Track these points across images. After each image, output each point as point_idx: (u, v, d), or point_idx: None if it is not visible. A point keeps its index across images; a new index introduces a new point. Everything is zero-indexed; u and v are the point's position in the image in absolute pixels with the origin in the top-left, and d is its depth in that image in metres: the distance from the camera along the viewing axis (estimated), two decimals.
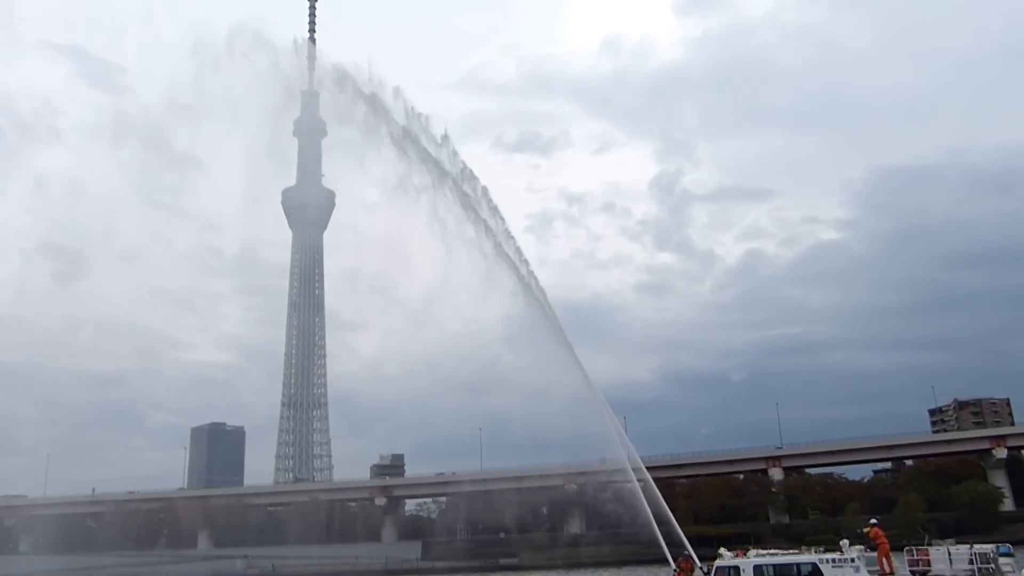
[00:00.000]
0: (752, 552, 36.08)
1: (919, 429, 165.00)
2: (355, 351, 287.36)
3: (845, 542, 33.43)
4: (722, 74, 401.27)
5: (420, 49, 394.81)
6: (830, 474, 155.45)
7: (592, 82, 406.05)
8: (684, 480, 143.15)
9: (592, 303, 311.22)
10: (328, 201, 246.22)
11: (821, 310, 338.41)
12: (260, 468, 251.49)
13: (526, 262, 42.83)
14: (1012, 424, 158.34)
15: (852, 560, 31.80)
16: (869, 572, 32.05)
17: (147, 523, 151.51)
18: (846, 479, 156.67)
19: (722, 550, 35.21)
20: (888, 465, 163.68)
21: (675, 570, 35.00)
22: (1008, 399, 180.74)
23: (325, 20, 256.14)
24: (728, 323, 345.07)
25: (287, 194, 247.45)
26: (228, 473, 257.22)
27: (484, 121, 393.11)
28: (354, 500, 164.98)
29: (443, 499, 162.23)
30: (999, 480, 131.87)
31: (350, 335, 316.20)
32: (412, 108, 50.62)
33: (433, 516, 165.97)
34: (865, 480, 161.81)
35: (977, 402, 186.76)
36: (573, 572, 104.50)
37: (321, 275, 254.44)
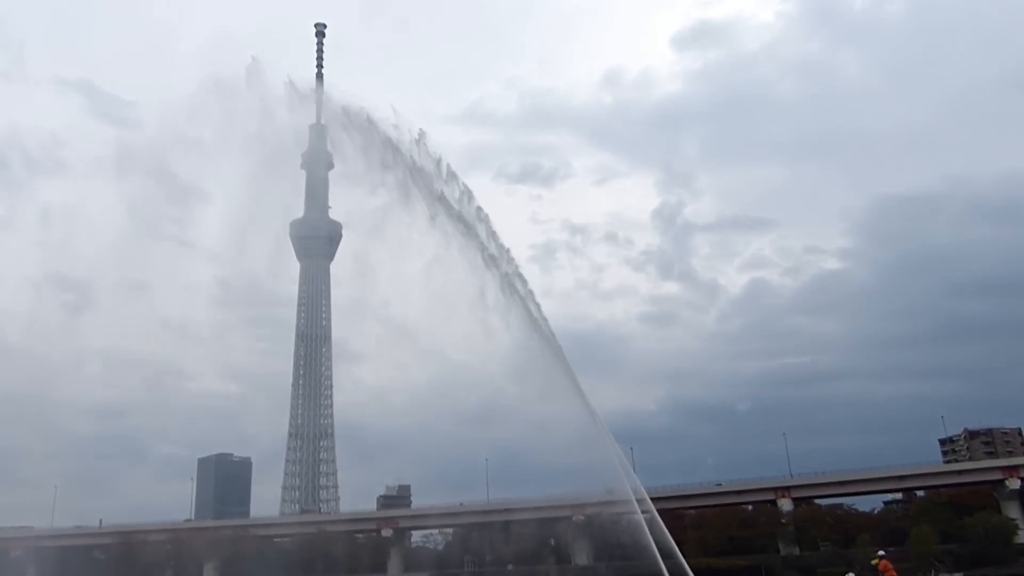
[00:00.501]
0: None
1: (930, 459, 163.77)
2: (361, 381, 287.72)
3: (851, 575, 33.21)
4: (722, 106, 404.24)
5: (423, 82, 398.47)
6: (840, 505, 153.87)
7: (593, 114, 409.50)
8: (692, 511, 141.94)
9: (597, 333, 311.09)
10: (335, 232, 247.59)
11: (827, 339, 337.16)
12: (267, 499, 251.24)
13: (531, 292, 43.07)
14: None
15: None
16: None
17: (154, 554, 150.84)
18: (856, 510, 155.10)
19: None
20: (899, 496, 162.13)
21: None
22: (1020, 428, 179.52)
23: (331, 53, 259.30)
24: (734, 353, 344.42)
25: (295, 226, 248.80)
26: (235, 504, 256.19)
27: (486, 153, 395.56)
28: (360, 531, 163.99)
29: (450, 530, 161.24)
30: (1013, 511, 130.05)
31: (355, 365, 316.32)
32: (428, 148, 51.18)
33: (440, 548, 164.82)
34: (876, 511, 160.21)
35: (988, 432, 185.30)
36: None
37: (328, 306, 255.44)
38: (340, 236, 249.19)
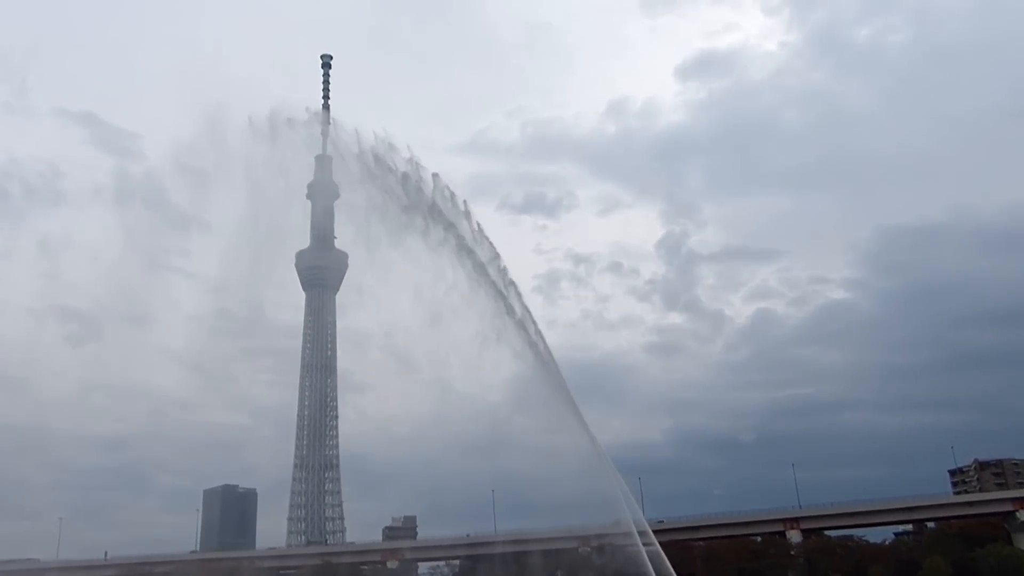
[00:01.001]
0: None
1: (939, 490, 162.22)
2: (365, 412, 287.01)
3: None
4: (726, 136, 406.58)
5: (428, 113, 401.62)
6: (851, 536, 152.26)
7: (597, 144, 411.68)
8: (701, 543, 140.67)
9: (602, 364, 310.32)
10: (341, 263, 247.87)
11: (833, 370, 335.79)
12: (272, 530, 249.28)
13: (538, 330, 43.06)
14: None
15: None
16: None
17: None
18: (867, 541, 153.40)
19: None
20: (909, 527, 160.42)
21: None
22: None
23: (337, 83, 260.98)
24: (740, 383, 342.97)
25: (300, 256, 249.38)
26: (241, 535, 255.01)
27: (490, 183, 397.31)
28: (366, 563, 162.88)
29: (456, 562, 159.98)
30: None
31: (359, 396, 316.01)
32: (441, 183, 51.44)
33: None
34: (887, 542, 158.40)
35: (998, 462, 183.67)
36: None
37: (334, 336, 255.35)
38: (346, 267, 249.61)
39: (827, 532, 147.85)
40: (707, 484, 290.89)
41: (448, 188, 52.48)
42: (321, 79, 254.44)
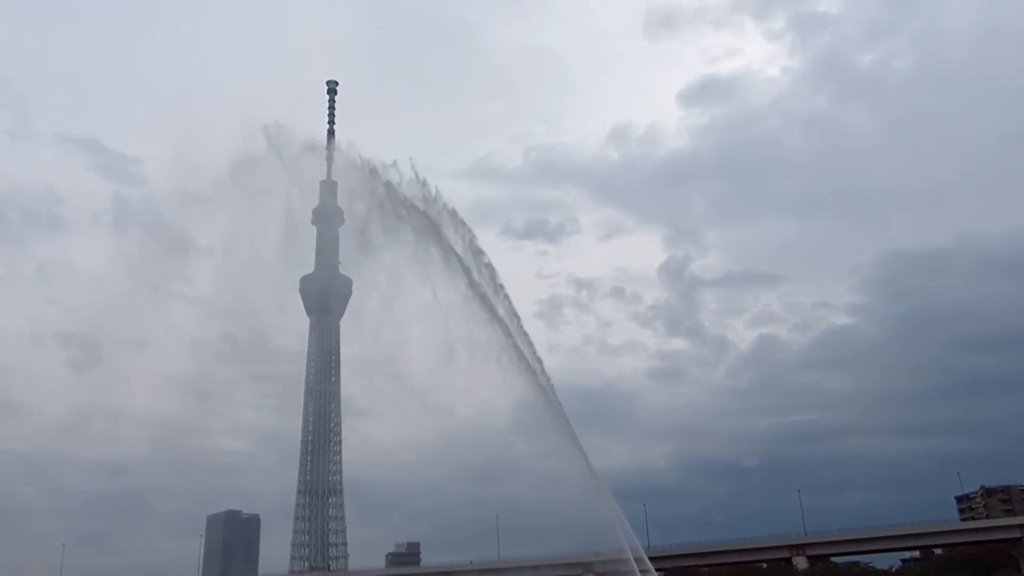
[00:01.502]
0: None
1: (946, 516, 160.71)
2: (367, 437, 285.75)
3: None
4: (729, 161, 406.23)
5: (431, 139, 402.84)
6: (857, 563, 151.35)
7: (600, 170, 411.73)
8: (707, 569, 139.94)
9: (605, 389, 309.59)
10: (345, 288, 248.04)
11: (838, 395, 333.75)
12: (276, 556, 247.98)
13: (532, 347, 43.17)
14: None
15: None
16: None
17: None
18: (874, 568, 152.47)
19: None
20: (916, 554, 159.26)
21: None
22: None
23: (341, 109, 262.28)
24: (744, 409, 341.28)
25: (305, 281, 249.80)
26: (243, 561, 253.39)
27: (493, 208, 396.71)
28: None
29: None
30: None
31: (361, 421, 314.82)
32: (446, 205, 51.76)
33: None
34: (893, 569, 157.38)
35: (1006, 489, 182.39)
36: None
37: (338, 362, 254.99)
38: (350, 292, 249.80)
39: (833, 558, 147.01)
40: (711, 510, 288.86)
41: (452, 209, 52.74)
42: (327, 105, 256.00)
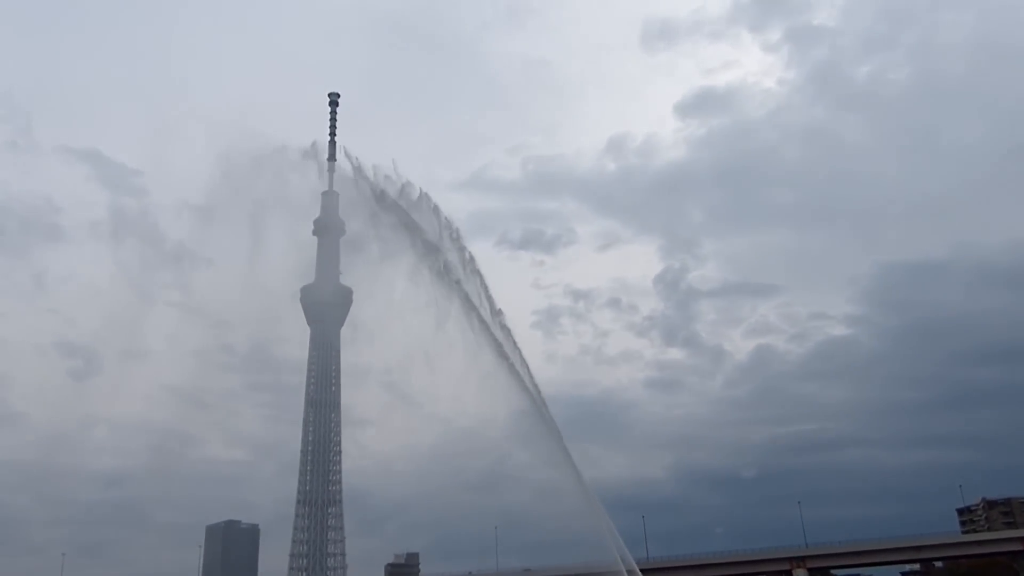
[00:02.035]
0: None
1: (947, 528, 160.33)
2: (366, 447, 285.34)
3: None
4: (726, 172, 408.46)
5: (429, 150, 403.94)
6: (857, 575, 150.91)
7: (597, 181, 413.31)
8: None
9: (602, 399, 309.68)
10: (346, 299, 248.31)
11: (836, 406, 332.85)
12: (275, 567, 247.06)
13: (527, 366, 43.25)
14: None
15: None
16: None
17: None
18: None
19: None
20: (917, 566, 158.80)
21: None
22: None
23: (341, 121, 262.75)
24: (741, 420, 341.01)
25: (306, 291, 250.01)
26: (243, 572, 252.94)
27: (489, 219, 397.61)
28: None
29: None
30: None
31: (360, 431, 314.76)
32: (444, 219, 51.91)
33: None
34: None
35: (1007, 501, 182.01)
36: None
37: (338, 372, 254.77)
38: (351, 302, 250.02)
39: (834, 571, 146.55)
40: (710, 521, 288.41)
41: (451, 223, 52.90)
42: (328, 117, 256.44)
